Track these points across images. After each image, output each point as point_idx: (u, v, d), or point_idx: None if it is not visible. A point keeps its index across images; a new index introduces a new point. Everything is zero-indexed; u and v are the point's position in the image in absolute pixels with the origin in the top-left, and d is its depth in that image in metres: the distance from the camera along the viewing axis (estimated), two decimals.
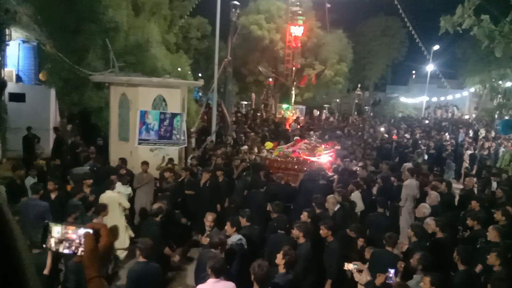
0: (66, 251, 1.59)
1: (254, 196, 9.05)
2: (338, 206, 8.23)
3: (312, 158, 12.25)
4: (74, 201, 7.57)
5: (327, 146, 14.40)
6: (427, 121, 34.99)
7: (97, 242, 1.58)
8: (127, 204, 8.27)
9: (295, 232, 6.29)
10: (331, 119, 32.73)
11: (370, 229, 7.85)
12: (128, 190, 8.89)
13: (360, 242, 6.60)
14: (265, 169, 10.79)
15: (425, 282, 4.92)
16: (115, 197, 8.03)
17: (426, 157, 16.43)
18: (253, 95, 29.94)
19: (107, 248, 1.61)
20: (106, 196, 7.91)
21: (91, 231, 1.58)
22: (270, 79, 28.13)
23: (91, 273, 1.56)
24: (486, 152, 17.15)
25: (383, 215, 8.34)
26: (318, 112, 34.05)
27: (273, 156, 12.48)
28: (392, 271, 5.27)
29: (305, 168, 11.36)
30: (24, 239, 1.06)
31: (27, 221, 6.95)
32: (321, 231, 6.37)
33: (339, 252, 6.27)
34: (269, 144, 13.78)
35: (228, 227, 6.42)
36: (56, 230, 1.58)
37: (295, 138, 16.53)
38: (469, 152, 16.81)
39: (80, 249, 1.57)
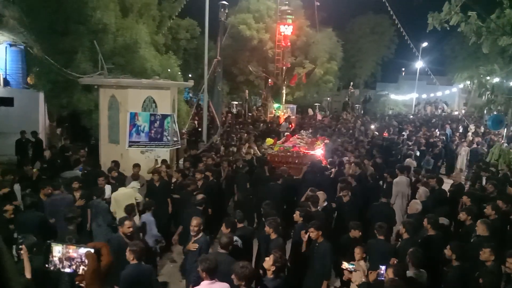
0: (68, 270, 1.62)
1: (272, 189, 9.49)
2: (326, 203, 8.34)
3: (312, 152, 13.04)
4: (100, 201, 7.97)
5: (318, 140, 15.04)
6: (411, 116, 35.28)
7: (99, 261, 1.61)
8: (140, 197, 8.67)
9: (266, 228, 6.34)
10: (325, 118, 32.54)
11: (374, 219, 7.97)
12: (139, 184, 9.25)
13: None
14: (268, 164, 11.48)
15: (389, 273, 4.99)
16: (131, 192, 8.47)
17: (418, 153, 16.51)
18: (246, 91, 29.65)
19: (108, 267, 1.64)
20: (122, 193, 8.26)
21: (92, 250, 1.60)
22: (270, 80, 27.93)
23: None
24: (485, 147, 17.20)
25: (386, 205, 8.70)
26: (312, 112, 33.81)
27: (273, 151, 13.17)
28: (383, 267, 5.31)
29: (306, 161, 12.01)
30: (8, 252, 1.07)
31: (58, 215, 7.29)
32: (310, 234, 6.34)
33: (330, 251, 6.25)
34: (269, 141, 14.44)
35: (223, 228, 6.41)
36: (57, 250, 1.62)
37: (286, 134, 17.03)
38: (465, 148, 16.77)
39: (82, 267, 1.60)
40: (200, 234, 6.36)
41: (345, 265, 5.38)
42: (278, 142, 14.87)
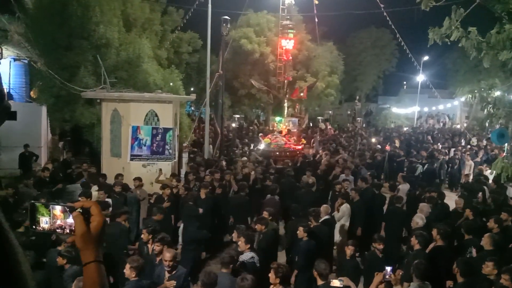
0: (58, 230, 1.50)
1: None
2: (326, 216, 8.29)
3: (298, 147, 17.88)
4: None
5: (302, 139, 19.79)
6: (405, 128, 35.24)
7: (89, 222, 1.46)
8: None
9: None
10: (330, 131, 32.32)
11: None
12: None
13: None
14: (272, 157, 15.41)
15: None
16: None
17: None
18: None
19: (100, 228, 1.48)
20: None
21: (80, 211, 1.47)
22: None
23: (86, 257, 1.46)
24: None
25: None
26: (324, 126, 33.26)
27: (271, 147, 17.02)
28: (389, 268, 5.29)
29: (294, 154, 16.40)
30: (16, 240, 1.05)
31: None
32: (239, 244, 6.29)
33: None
34: (267, 140, 17.68)
35: (241, 243, 6.10)
36: (44, 220, 1.48)
37: (260, 134, 20.09)
38: (469, 162, 16.56)
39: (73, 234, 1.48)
40: (178, 268, 5.67)
41: (334, 282, 5.35)
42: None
